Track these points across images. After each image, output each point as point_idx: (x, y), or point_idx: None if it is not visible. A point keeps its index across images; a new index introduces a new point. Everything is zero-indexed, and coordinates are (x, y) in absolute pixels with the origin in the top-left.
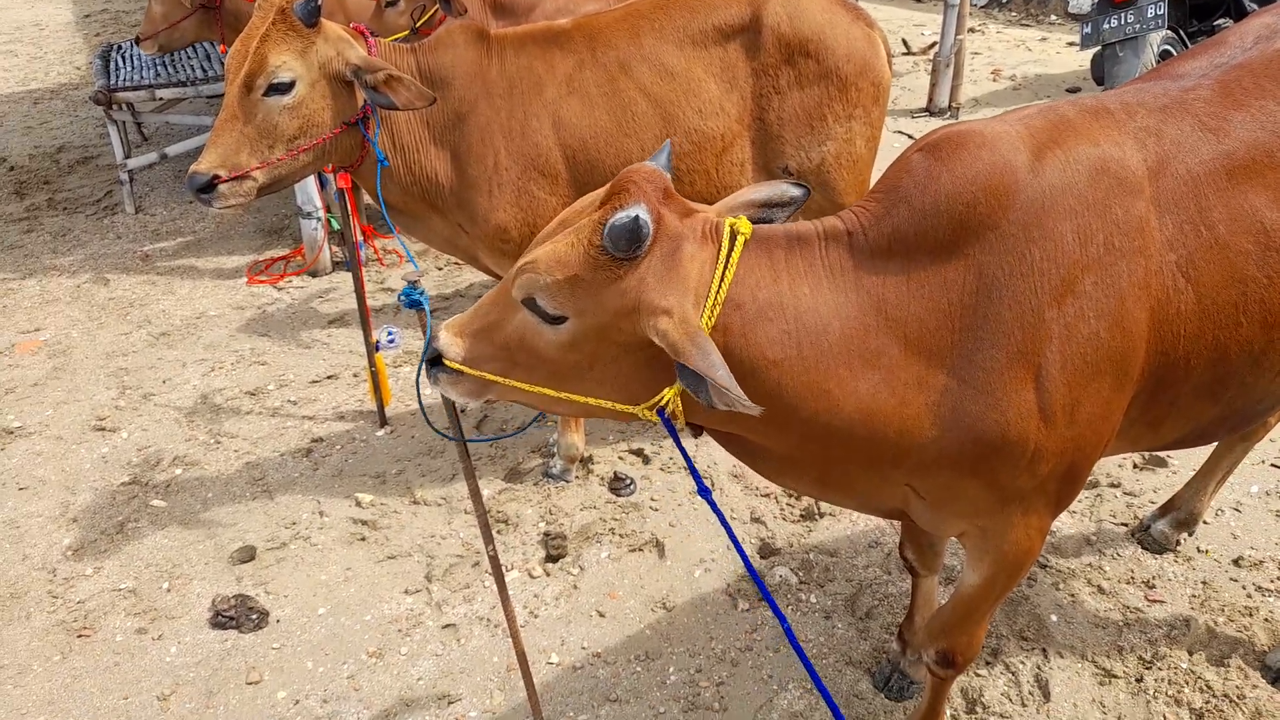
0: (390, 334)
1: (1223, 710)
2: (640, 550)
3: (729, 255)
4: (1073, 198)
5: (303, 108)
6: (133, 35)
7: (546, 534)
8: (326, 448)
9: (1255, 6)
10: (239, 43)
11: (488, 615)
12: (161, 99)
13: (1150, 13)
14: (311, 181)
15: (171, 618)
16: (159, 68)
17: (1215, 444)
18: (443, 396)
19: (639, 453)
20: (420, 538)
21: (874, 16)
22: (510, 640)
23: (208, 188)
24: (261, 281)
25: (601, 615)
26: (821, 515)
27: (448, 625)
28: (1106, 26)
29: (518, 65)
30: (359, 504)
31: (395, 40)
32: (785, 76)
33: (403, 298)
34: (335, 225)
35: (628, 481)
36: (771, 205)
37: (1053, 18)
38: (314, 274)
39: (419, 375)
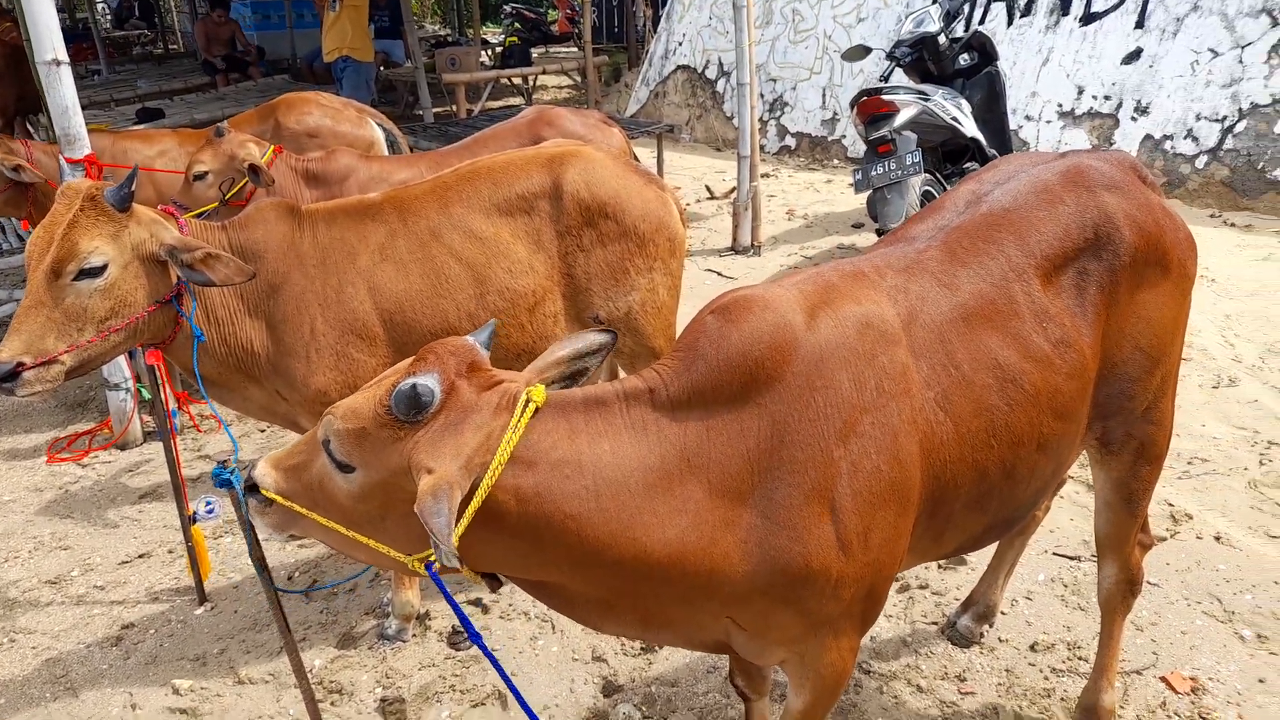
0: (209, 503)
1: None
2: (483, 704)
3: (518, 420)
4: (845, 350)
5: (115, 289)
6: None
7: (383, 699)
8: (139, 633)
9: (994, 153)
10: (42, 229)
11: None
12: None
13: (909, 160)
14: None
15: None
16: None
17: (998, 547)
18: (247, 541)
19: (477, 603)
20: (246, 718)
21: (680, 165)
22: None
23: (10, 376)
24: (64, 459)
25: None
26: (661, 648)
27: None
28: (874, 173)
29: (330, 237)
30: (176, 691)
31: (203, 212)
32: (588, 236)
33: (214, 475)
34: (145, 395)
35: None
36: (580, 356)
37: (835, 162)
38: (123, 447)
39: (248, 535)
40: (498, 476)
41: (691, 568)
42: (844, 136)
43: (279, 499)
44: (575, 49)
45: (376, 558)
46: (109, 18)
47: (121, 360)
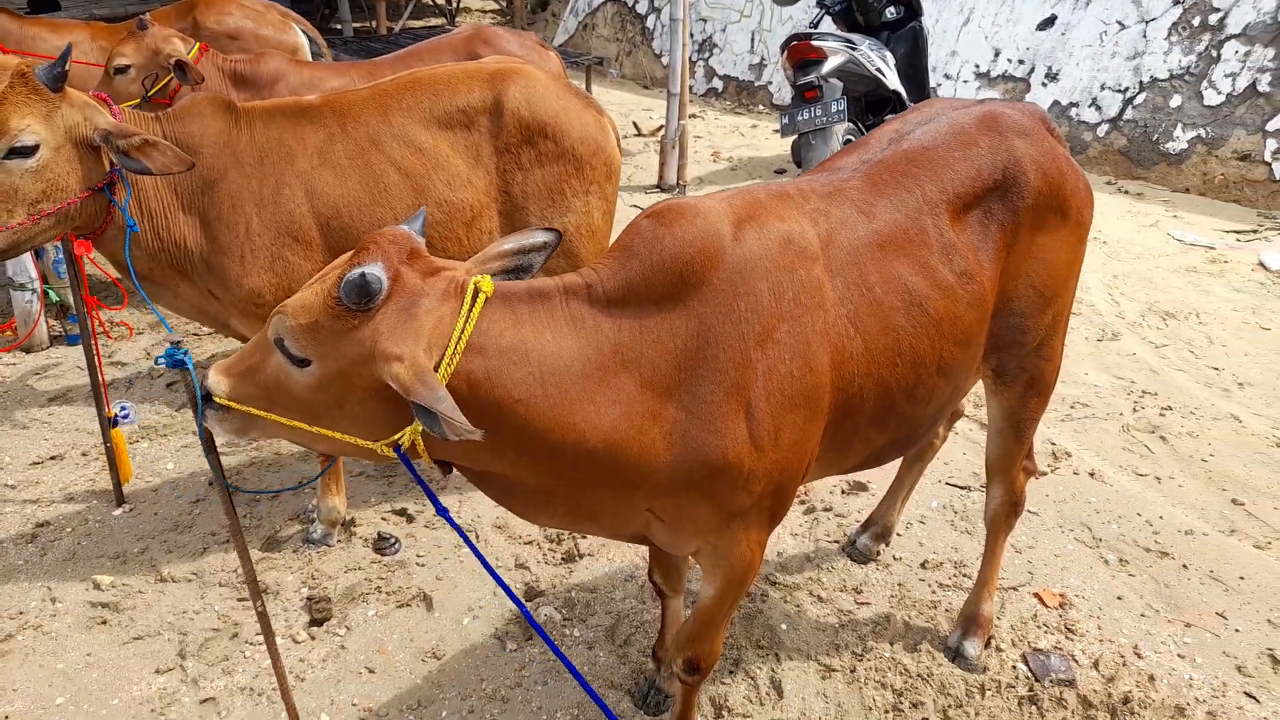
0: (124, 408)
1: (916, 687)
2: (408, 605)
3: (469, 309)
4: (767, 262)
5: (46, 171)
6: None
7: (309, 598)
8: (55, 531)
9: (911, 103)
10: None
11: (250, 685)
12: None
13: (834, 108)
14: None
15: None
16: None
17: (898, 467)
18: (202, 444)
19: (402, 512)
20: (170, 615)
21: (607, 101)
22: (278, 705)
23: None
24: None
25: (371, 671)
26: (581, 556)
27: (206, 699)
28: (800, 118)
29: (268, 136)
30: (97, 586)
31: (130, 108)
32: (526, 155)
33: (164, 359)
34: (53, 297)
35: (392, 540)
36: (524, 252)
37: (760, 107)
38: (28, 349)
39: (200, 420)
40: (455, 362)
41: (622, 455)
42: (770, 83)
43: (235, 405)
44: None
45: (341, 447)
46: None
47: (27, 259)
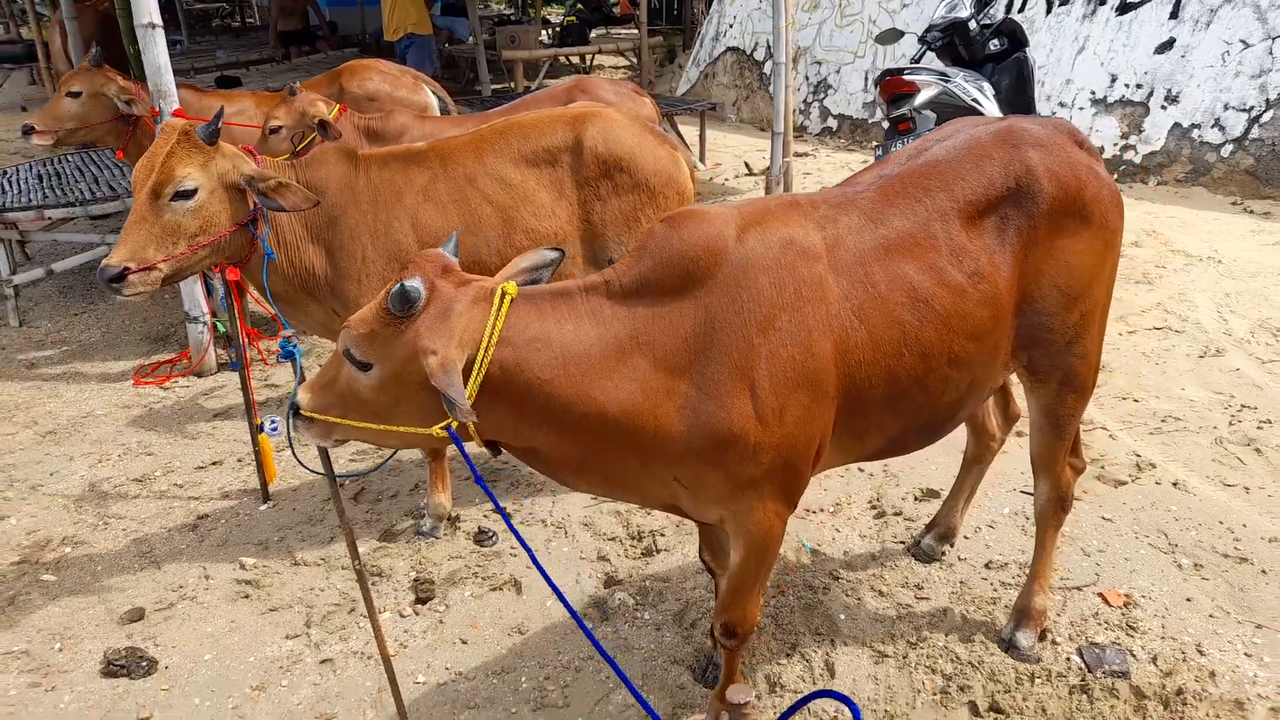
0: (273, 422)
1: (965, 673)
2: (500, 589)
3: (498, 308)
4: (768, 259)
5: (203, 210)
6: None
7: (416, 580)
8: (211, 523)
9: None
10: (145, 159)
11: (361, 650)
12: (49, 218)
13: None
14: (198, 288)
15: (64, 671)
16: (45, 190)
17: (958, 475)
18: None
19: (501, 510)
20: (300, 591)
21: (724, 143)
22: (381, 666)
23: (118, 278)
24: (148, 383)
25: (464, 642)
26: (659, 551)
27: (325, 660)
28: (894, 149)
29: (381, 178)
30: (243, 567)
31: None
32: (604, 187)
33: (280, 347)
34: (221, 329)
35: (490, 534)
36: (536, 268)
37: (874, 143)
38: (199, 374)
39: (289, 420)
40: (489, 353)
41: (640, 425)
42: (886, 121)
43: (315, 415)
44: (634, 30)
45: (404, 439)
46: None
47: (200, 296)
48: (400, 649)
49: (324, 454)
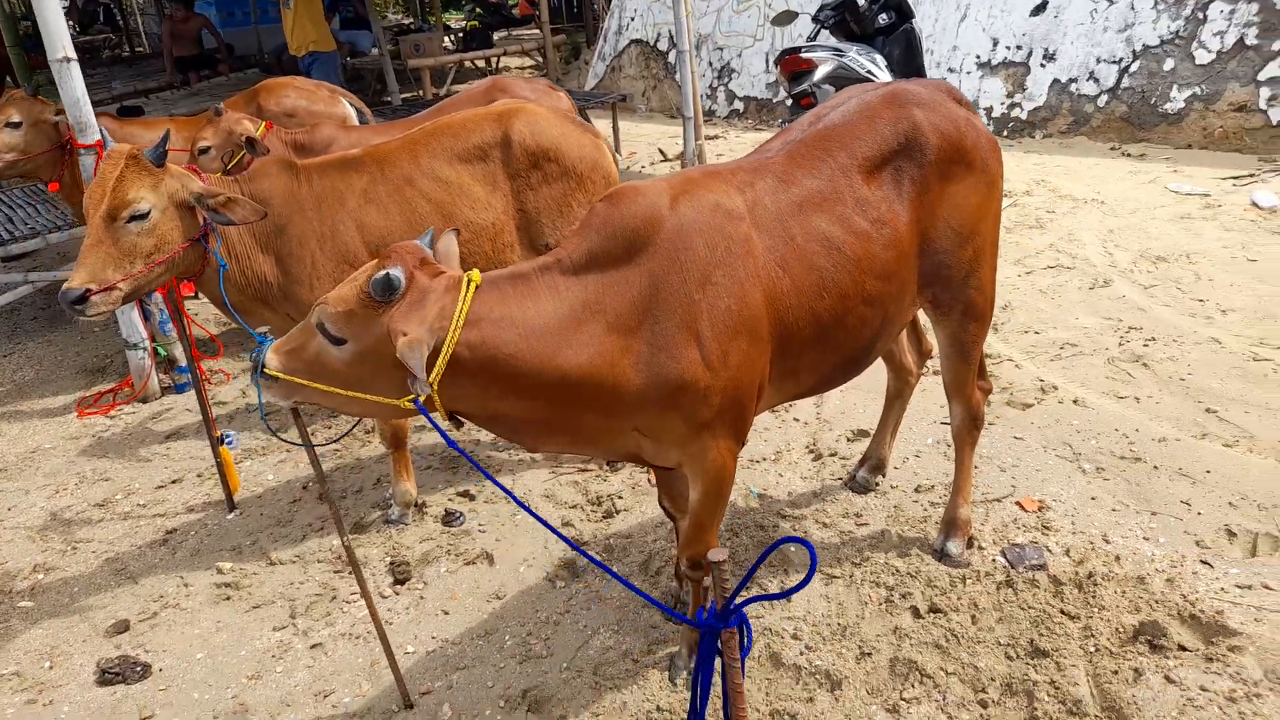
0: (228, 435)
1: (906, 583)
2: (473, 563)
3: (465, 294)
4: (700, 223)
5: (156, 229)
6: None
7: (392, 563)
8: (181, 535)
9: None
10: (95, 185)
11: (348, 631)
12: None
13: None
14: (135, 315)
15: (59, 686)
16: None
17: (883, 411)
18: (294, 417)
19: (465, 493)
20: (280, 587)
21: (637, 132)
22: (371, 642)
23: (80, 300)
24: (93, 413)
25: (446, 613)
26: (617, 512)
27: (315, 645)
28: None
29: (323, 185)
30: (220, 571)
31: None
32: (535, 177)
33: (260, 344)
34: (161, 353)
35: (457, 515)
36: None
37: (780, 122)
38: (143, 400)
39: (258, 379)
40: (457, 334)
41: (601, 384)
42: (788, 99)
43: (281, 375)
44: (537, 30)
45: (370, 407)
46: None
47: (138, 323)
48: (386, 626)
49: (298, 419)
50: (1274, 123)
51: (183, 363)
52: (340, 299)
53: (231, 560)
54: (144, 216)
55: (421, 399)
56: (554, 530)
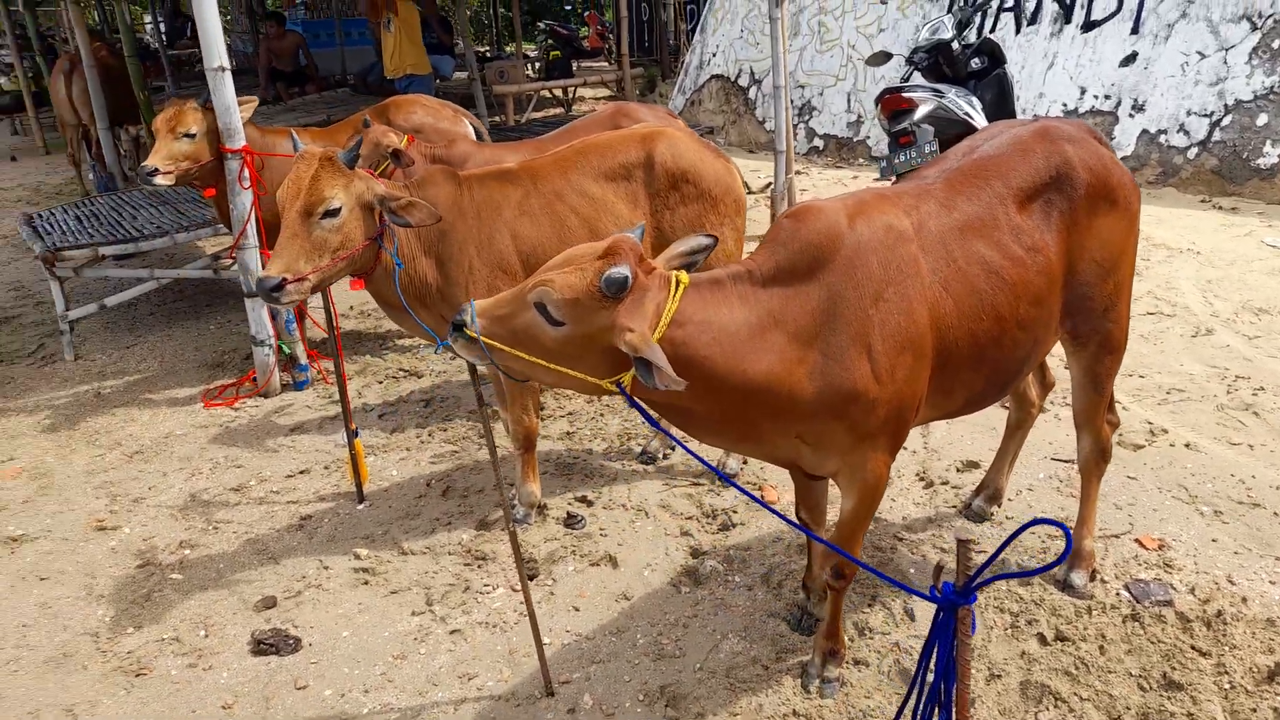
0: (355, 430)
1: (1030, 610)
2: (598, 564)
3: (675, 294)
4: (874, 243)
5: (344, 227)
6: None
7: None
8: (316, 522)
9: None
10: (291, 183)
11: (485, 620)
12: (103, 255)
13: (927, 149)
14: (264, 313)
15: (216, 653)
16: (89, 230)
17: (1002, 441)
18: (471, 375)
19: (583, 499)
20: (416, 575)
21: None
22: (509, 632)
23: (278, 288)
24: (217, 404)
25: (576, 610)
26: (735, 525)
27: (454, 631)
28: (896, 161)
29: (483, 195)
30: (357, 557)
31: None
32: (673, 197)
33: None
34: (285, 350)
35: (579, 518)
36: (692, 253)
37: (860, 160)
38: (265, 395)
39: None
40: (664, 332)
41: (778, 389)
42: (868, 137)
43: (485, 339)
44: (605, 63)
45: (569, 381)
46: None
47: (266, 321)
48: (520, 618)
49: (473, 371)
50: None
51: (304, 361)
52: (568, 286)
53: (367, 547)
54: (335, 214)
55: (627, 386)
56: (704, 463)
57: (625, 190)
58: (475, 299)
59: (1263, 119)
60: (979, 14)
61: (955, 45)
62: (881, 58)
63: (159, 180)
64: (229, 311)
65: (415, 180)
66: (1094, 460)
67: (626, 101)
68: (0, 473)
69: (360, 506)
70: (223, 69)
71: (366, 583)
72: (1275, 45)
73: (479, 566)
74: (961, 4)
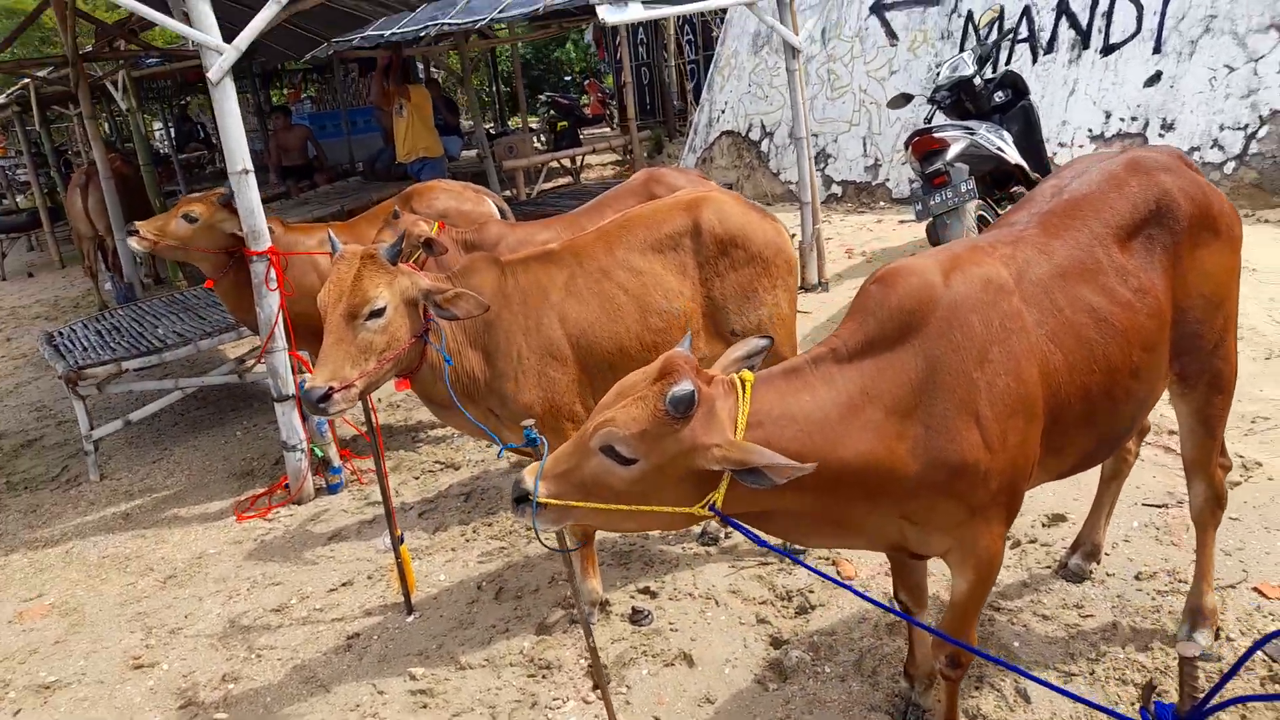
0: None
1: (1156, 680)
2: (672, 664)
3: (744, 396)
4: (973, 299)
5: (389, 326)
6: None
7: (590, 667)
8: (364, 640)
9: (1037, 176)
10: (333, 285)
11: None
12: (126, 369)
13: (964, 188)
14: (295, 417)
15: None
16: (110, 344)
17: (1097, 492)
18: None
19: (646, 590)
20: (478, 693)
21: None
22: None
23: (325, 398)
24: (250, 516)
25: (658, 719)
26: (813, 608)
27: None
28: (933, 203)
29: (527, 280)
30: (413, 678)
31: None
32: (723, 264)
33: (525, 434)
34: (318, 454)
35: (645, 613)
36: (750, 357)
37: (881, 204)
38: (299, 502)
39: (531, 505)
40: (743, 436)
41: (878, 470)
42: (887, 180)
43: (554, 501)
44: (608, 129)
45: (657, 520)
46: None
47: (297, 423)
48: None
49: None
50: None
51: (337, 463)
52: (632, 420)
53: (421, 665)
54: (380, 314)
55: (718, 504)
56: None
57: (674, 261)
58: (527, 389)
59: None
60: (996, 49)
61: (977, 81)
62: (903, 100)
63: (133, 242)
64: (254, 415)
65: (457, 270)
66: (1210, 508)
67: (658, 169)
68: (29, 612)
69: (409, 619)
70: (246, 171)
71: (425, 705)
72: None
73: (544, 678)
74: (979, 40)
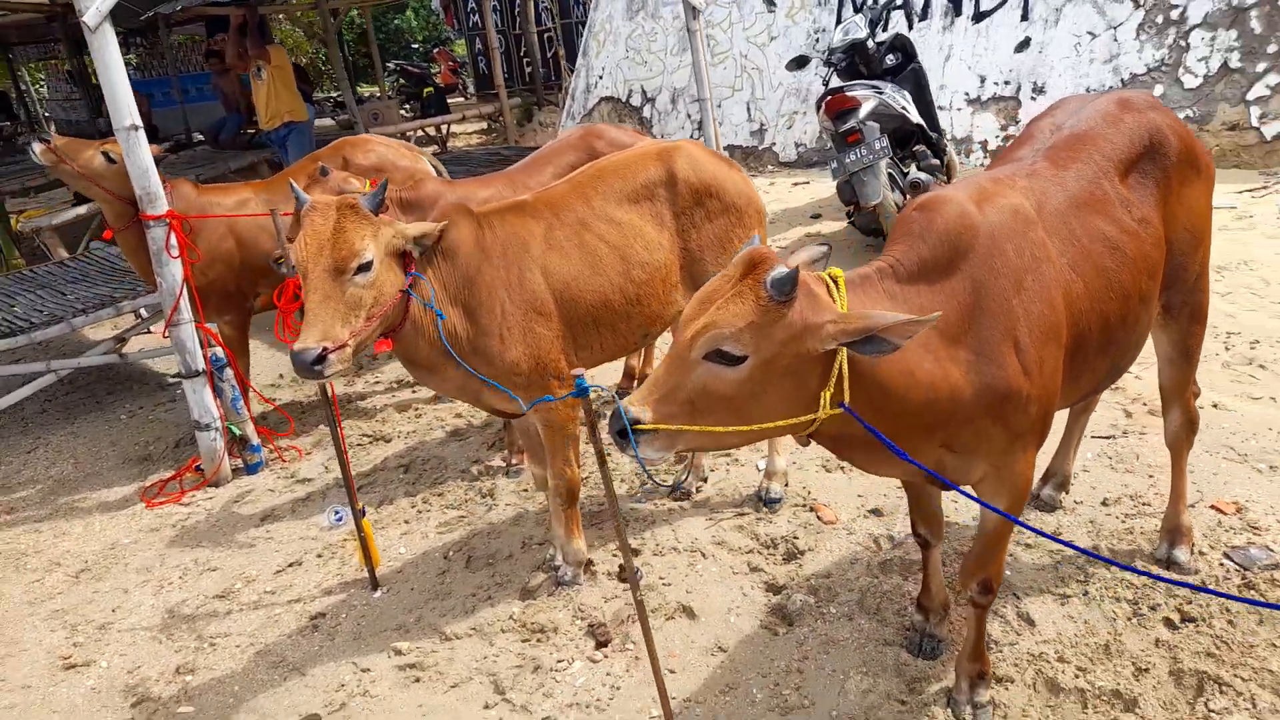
0: (338, 512)
1: (1147, 594)
2: (674, 618)
3: (840, 291)
4: (1007, 228)
5: (378, 281)
6: None
7: (589, 625)
8: (332, 620)
9: (934, 135)
10: (309, 238)
11: (574, 700)
12: None
13: (878, 145)
14: (207, 394)
15: None
16: None
17: (1066, 425)
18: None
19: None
20: (473, 662)
21: None
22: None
23: (319, 359)
24: (162, 503)
25: (673, 671)
26: (802, 553)
27: (545, 719)
28: (848, 160)
29: (505, 233)
30: (398, 652)
31: None
32: (698, 214)
33: (576, 384)
34: (235, 432)
35: (634, 570)
36: (814, 262)
37: (769, 167)
38: (216, 485)
39: (630, 438)
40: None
41: (939, 393)
42: (774, 144)
43: (662, 426)
44: (461, 99)
45: (773, 428)
46: None
47: (210, 403)
48: (614, 692)
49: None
50: (1268, 138)
51: (256, 441)
52: (736, 315)
53: (404, 640)
54: (369, 268)
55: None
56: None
57: (650, 212)
58: (513, 345)
59: (1159, 90)
60: (887, 12)
61: (870, 44)
62: (800, 62)
63: (37, 145)
64: (138, 398)
65: (432, 218)
66: (1185, 433)
67: (595, 125)
68: None
69: (377, 594)
70: (135, 127)
71: (418, 679)
72: (1160, 20)
73: (541, 641)
74: (871, 3)
